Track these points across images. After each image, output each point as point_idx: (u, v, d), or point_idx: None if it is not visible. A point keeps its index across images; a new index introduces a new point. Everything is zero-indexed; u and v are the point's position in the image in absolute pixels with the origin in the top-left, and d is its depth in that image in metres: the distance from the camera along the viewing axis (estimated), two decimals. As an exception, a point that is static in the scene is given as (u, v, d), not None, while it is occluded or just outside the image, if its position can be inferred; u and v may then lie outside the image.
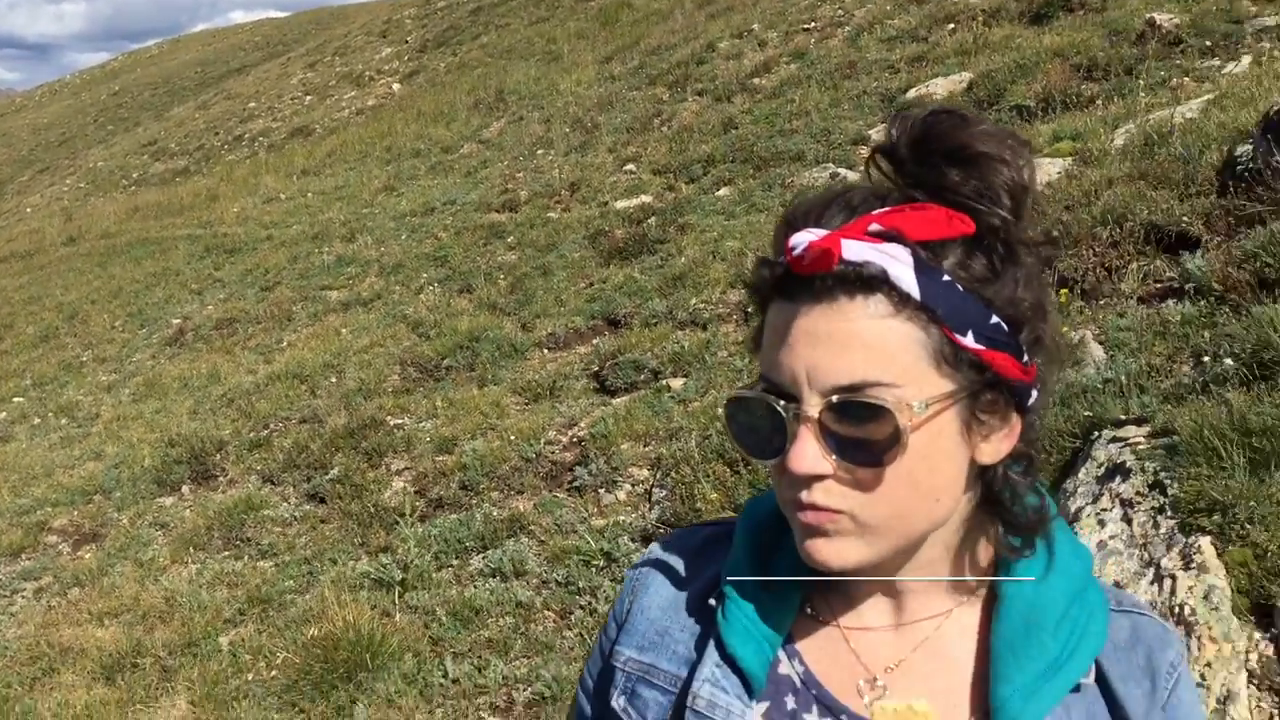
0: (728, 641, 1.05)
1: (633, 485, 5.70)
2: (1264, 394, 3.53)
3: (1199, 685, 2.86)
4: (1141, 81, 7.37)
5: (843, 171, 8.44)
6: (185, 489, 7.50)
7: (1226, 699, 2.83)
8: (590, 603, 4.90)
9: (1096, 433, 3.86)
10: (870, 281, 0.89)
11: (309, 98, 28.36)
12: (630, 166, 11.58)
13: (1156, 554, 3.22)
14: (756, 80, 12.49)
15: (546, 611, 4.98)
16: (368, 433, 7.17)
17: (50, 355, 12.64)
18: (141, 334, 12.25)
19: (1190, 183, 5.28)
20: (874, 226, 0.90)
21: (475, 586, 5.27)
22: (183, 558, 6.45)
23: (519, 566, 5.29)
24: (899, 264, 0.88)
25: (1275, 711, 2.82)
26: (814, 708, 1.03)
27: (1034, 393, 0.97)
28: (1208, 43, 7.93)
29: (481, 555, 5.53)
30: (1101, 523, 3.45)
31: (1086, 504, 3.56)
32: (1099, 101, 7.62)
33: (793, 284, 0.92)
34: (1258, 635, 2.96)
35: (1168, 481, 3.41)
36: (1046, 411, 1.03)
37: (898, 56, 10.96)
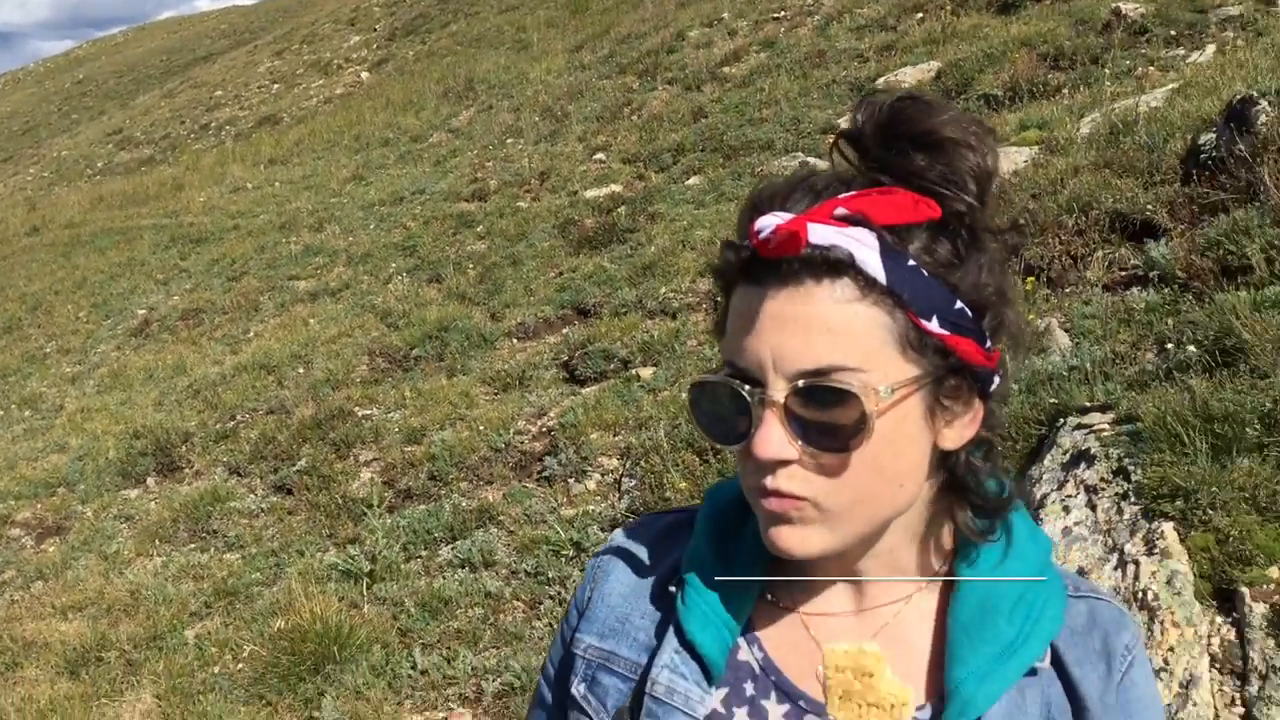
0: (687, 628, 1.04)
1: (602, 475, 5.69)
2: (1226, 380, 3.57)
3: (1163, 670, 2.89)
4: (1107, 70, 7.42)
5: (812, 160, 8.44)
6: (150, 481, 7.43)
7: (1189, 683, 2.85)
8: (560, 593, 4.89)
9: (1062, 420, 3.88)
10: (837, 265, 0.88)
11: (276, 86, 28.12)
12: (600, 155, 11.55)
13: (1120, 540, 3.25)
14: (726, 69, 12.48)
15: (516, 602, 4.97)
16: (335, 423, 7.12)
17: (13, 347, 12.48)
18: (106, 325, 12.12)
19: (1155, 171, 5.32)
20: (840, 210, 0.90)
21: (444, 577, 5.25)
22: (148, 550, 6.39)
23: (488, 557, 5.28)
24: (865, 248, 0.88)
25: (1237, 695, 2.85)
26: (772, 694, 1.03)
27: (996, 379, 0.97)
28: (1172, 32, 8.00)
29: (450, 546, 5.51)
30: (1066, 509, 3.48)
31: (1052, 490, 3.59)
32: (1065, 90, 7.66)
33: (758, 267, 0.91)
34: (1220, 620, 2.99)
35: (1131, 468, 3.43)
36: (1008, 398, 1.03)
37: (867, 45, 10.99)
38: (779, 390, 0.89)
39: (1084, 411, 3.85)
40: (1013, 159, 6.34)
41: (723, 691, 1.04)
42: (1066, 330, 4.57)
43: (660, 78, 13.39)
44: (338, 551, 5.74)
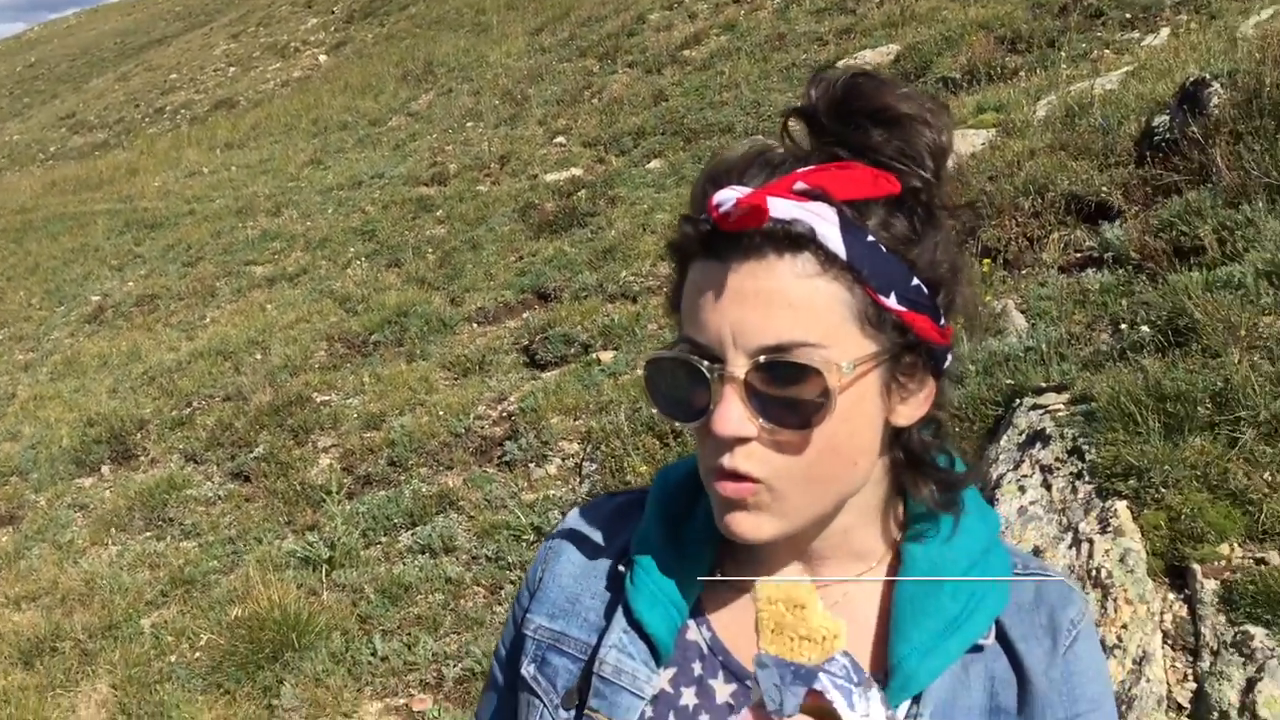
0: (635, 608, 1.04)
1: (563, 459, 5.68)
2: (1178, 360, 3.61)
3: (1116, 647, 2.92)
4: (1063, 53, 7.48)
5: (773, 144, 8.45)
6: (105, 469, 7.34)
7: (1142, 659, 2.89)
8: (521, 577, 4.87)
9: (1018, 400, 3.91)
10: (798, 240, 0.87)
11: (232, 69, 27.76)
12: (560, 139, 11.51)
13: (1075, 519, 3.28)
14: (687, 52, 12.46)
15: (476, 587, 4.96)
16: (293, 410, 7.06)
17: (-36, 334, 12.27)
18: (59, 311, 11.93)
19: (1109, 153, 5.36)
20: (799, 185, 0.89)
21: (404, 563, 5.22)
22: (103, 539, 6.31)
23: (448, 542, 5.25)
24: (825, 223, 0.87)
25: (1189, 671, 2.89)
26: (720, 674, 1.03)
27: (949, 356, 0.98)
28: (1128, 15, 8.06)
29: (410, 532, 5.48)
30: (1022, 489, 3.50)
31: (1008, 470, 3.61)
32: (1022, 73, 7.72)
33: (718, 241, 0.90)
34: (1172, 596, 3.02)
35: (1086, 447, 3.46)
36: (963, 378, 1.04)
37: (826, 29, 11.00)
38: (739, 366, 0.88)
39: (1040, 392, 3.89)
40: (970, 141, 6.37)
41: (671, 671, 1.04)
42: (1023, 311, 4.61)
43: (621, 61, 13.35)
44: (296, 538, 5.70)
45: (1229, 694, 2.70)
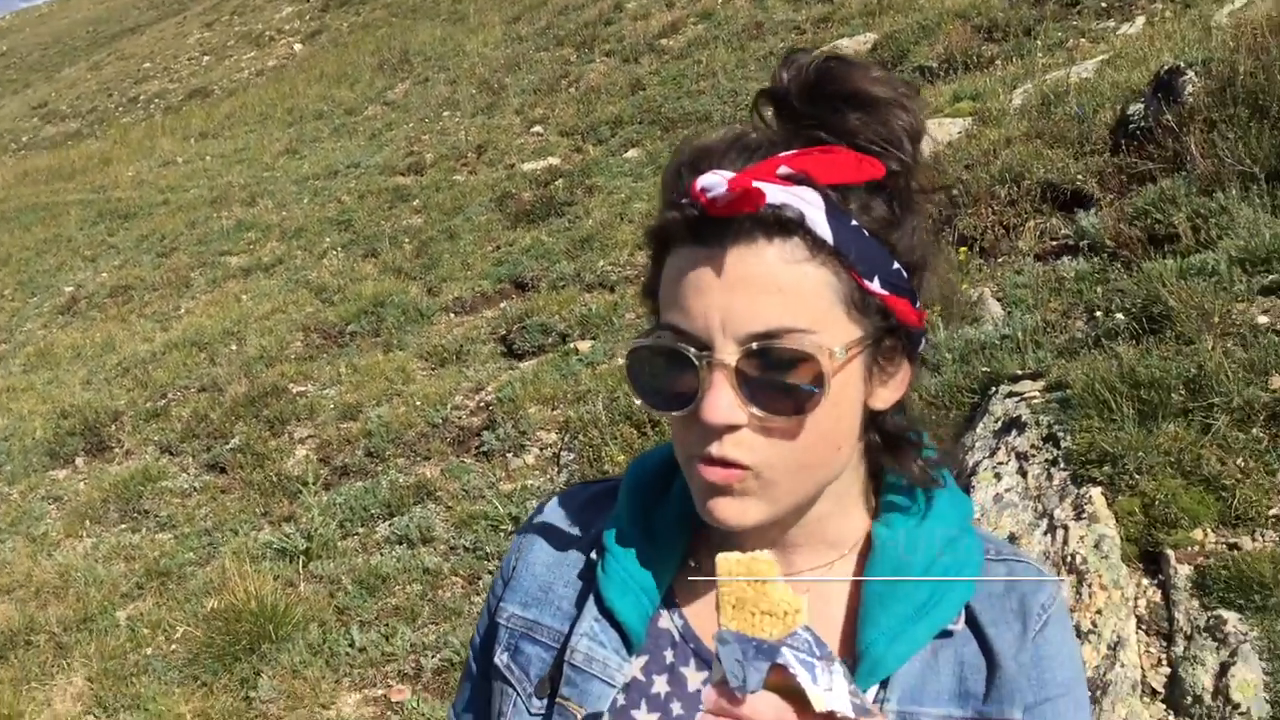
0: (606, 596, 1.03)
1: (541, 449, 5.67)
2: (1152, 347, 3.62)
3: (1091, 632, 2.94)
4: (1039, 42, 7.50)
5: (749, 128, 8.45)
6: (79, 461, 7.28)
7: (1117, 644, 2.91)
8: (499, 567, 4.86)
9: (994, 388, 3.92)
10: (786, 225, 0.87)
11: (207, 58, 27.53)
12: (538, 128, 11.47)
13: (1050, 505, 3.29)
14: (664, 41, 12.43)
15: (454, 577, 4.94)
16: (269, 400, 7.02)
17: (-65, 326, 12.14)
18: (32, 303, 11.81)
19: (1085, 141, 5.38)
20: (783, 169, 0.88)
21: (381, 554, 5.20)
22: (77, 532, 6.26)
23: (426, 533, 5.24)
24: (812, 208, 0.87)
25: (1163, 655, 2.91)
26: (691, 661, 1.02)
27: (924, 339, 0.98)
28: (1103, 4, 8.09)
29: (388, 522, 5.46)
30: (998, 476, 3.52)
31: (984, 458, 3.63)
32: (998, 62, 7.73)
33: (704, 227, 0.89)
34: (1146, 582, 3.04)
35: (1061, 434, 3.48)
36: (935, 364, 1.04)
37: (804, 17, 11.00)
38: (729, 353, 0.87)
39: (1015, 379, 3.90)
40: (947, 130, 6.38)
41: (643, 659, 1.03)
42: (999, 299, 4.62)
43: (598, 50, 13.31)
44: (273, 530, 5.67)
45: (1203, 678, 2.72)
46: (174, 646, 4.94)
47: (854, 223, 0.89)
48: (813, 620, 0.97)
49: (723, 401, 0.88)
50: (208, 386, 7.65)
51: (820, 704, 0.73)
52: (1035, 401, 3.71)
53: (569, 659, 1.03)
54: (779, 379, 0.88)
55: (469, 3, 19.69)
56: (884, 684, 0.96)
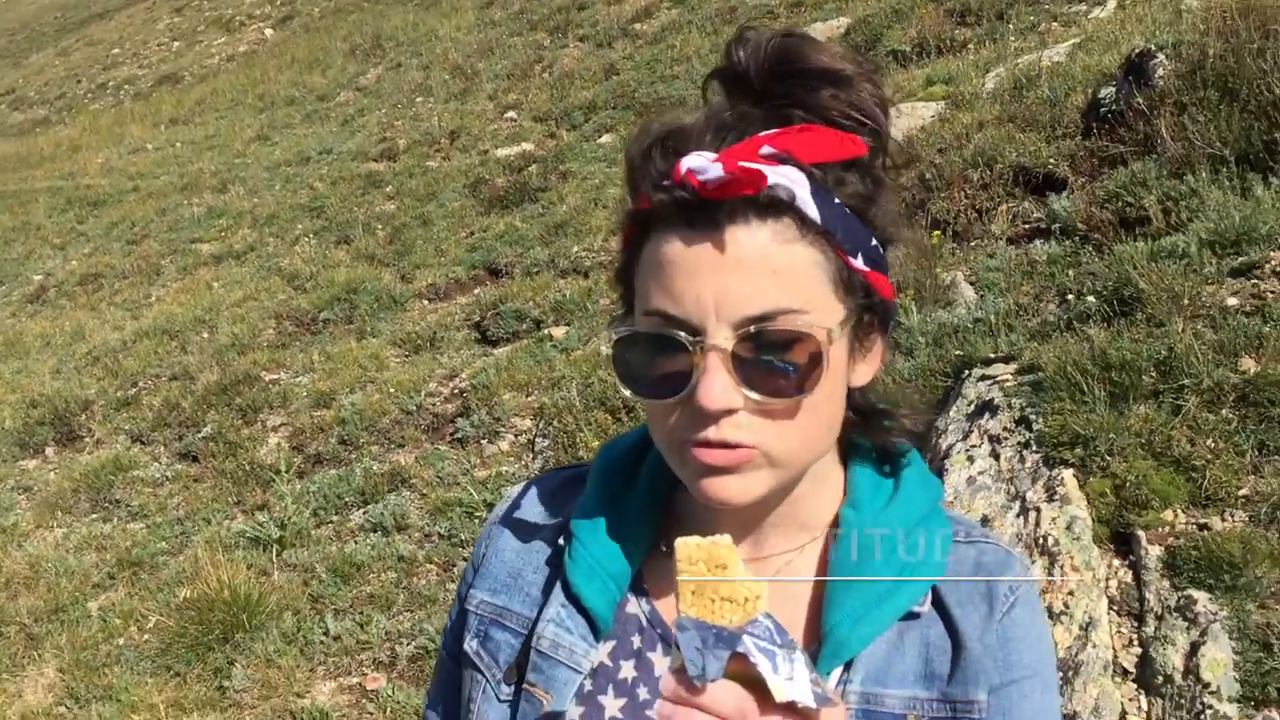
0: (573, 582, 1.03)
1: (515, 435, 5.66)
2: (1123, 329, 3.64)
3: (1063, 613, 2.95)
4: (1011, 26, 7.52)
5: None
6: (49, 451, 7.21)
7: (1089, 625, 2.92)
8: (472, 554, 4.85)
9: (967, 371, 3.94)
10: (778, 205, 0.86)
11: (176, 44, 27.23)
12: (511, 114, 11.41)
13: (1022, 488, 3.31)
14: (638, 26, 12.39)
15: (429, 565, 4.93)
16: (242, 388, 6.96)
17: (-98, 316, 11.99)
18: (0, 291, 11.69)
19: (1057, 125, 5.39)
20: (766, 149, 0.87)
21: (356, 542, 5.18)
22: (47, 522, 6.20)
23: (401, 521, 5.22)
24: (799, 187, 0.86)
25: (1134, 636, 2.93)
26: (659, 646, 1.02)
27: (893, 313, 0.98)
28: (1075, -12, 8.10)
29: (362, 510, 5.44)
30: (971, 459, 3.53)
31: (957, 441, 3.64)
32: (971, 46, 7.74)
33: (692, 210, 0.88)
34: (1117, 563, 3.06)
35: (1033, 417, 3.49)
36: (902, 345, 1.04)
37: (777, 1, 10.97)
38: (724, 337, 0.86)
39: (988, 363, 3.91)
40: (920, 114, 6.39)
41: (610, 644, 1.03)
42: (972, 283, 4.64)
43: (571, 34, 13.24)
44: (246, 519, 5.64)
45: (1173, 658, 2.74)
46: (146, 637, 4.91)
47: (836, 200, 0.89)
48: (778, 602, 0.96)
49: (717, 386, 0.87)
50: (179, 375, 7.59)
51: (781, 694, 0.72)
52: (1008, 384, 3.72)
53: (535, 645, 1.03)
54: (776, 360, 0.87)
55: (441, -13, 19.55)
56: (848, 665, 0.95)
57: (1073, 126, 5.32)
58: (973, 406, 3.73)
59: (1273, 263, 3.64)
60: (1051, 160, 5.14)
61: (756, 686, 0.74)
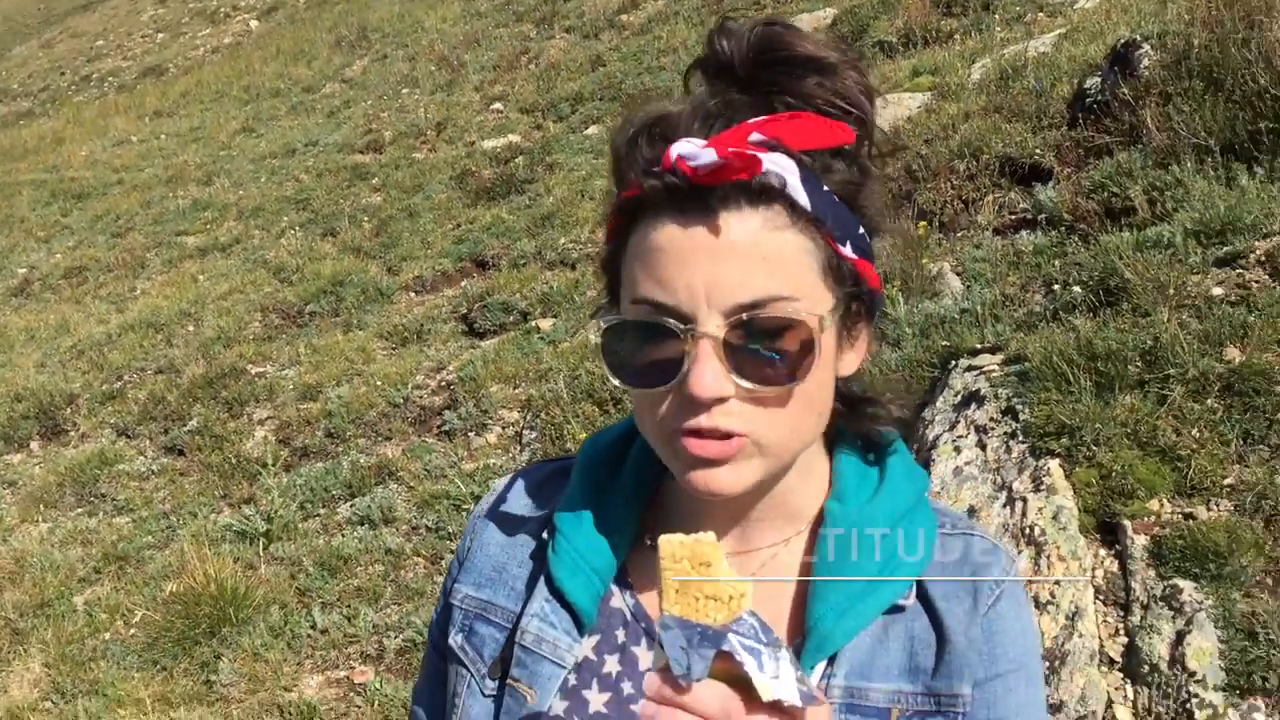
0: (556, 576, 1.02)
1: (503, 428, 5.65)
2: (1109, 319, 3.65)
3: (1049, 603, 2.96)
4: (997, 16, 7.53)
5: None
6: (34, 445, 7.17)
7: (1075, 615, 2.93)
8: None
9: (954, 362, 3.94)
10: (769, 192, 0.86)
11: (161, 35, 27.08)
12: (497, 105, 11.38)
13: (1009, 478, 3.31)
14: (624, 17, 12.36)
15: (417, 558, 4.92)
16: (228, 382, 6.94)
17: (-116, 309, 11.91)
18: (-17, 285, 11.63)
19: (1043, 115, 5.40)
20: (755, 136, 0.87)
21: (343, 535, 5.17)
22: (33, 516, 6.17)
23: (388, 513, 5.20)
24: (790, 174, 0.86)
25: (1120, 625, 2.93)
26: (643, 640, 1.01)
27: (879, 302, 0.98)
28: (1061, -21, 8.10)
29: (349, 503, 5.42)
30: (958, 449, 3.53)
31: (944, 431, 3.64)
32: (957, 36, 7.74)
33: (683, 197, 0.87)
34: (1103, 553, 3.07)
35: (1020, 407, 3.50)
36: (890, 336, 1.03)
37: (764, -7, 10.95)
38: (715, 325, 0.86)
39: (975, 353, 3.91)
40: (906, 105, 6.39)
41: (595, 639, 1.02)
42: (958, 274, 4.64)
43: (558, 26, 13.21)
44: (232, 512, 5.62)
45: (1159, 647, 2.75)
46: (133, 631, 4.89)
47: (825, 188, 0.88)
48: (762, 597, 0.96)
49: (708, 374, 0.86)
50: (165, 368, 7.56)
51: (767, 693, 0.72)
52: (994, 375, 3.72)
53: (519, 640, 1.02)
54: (767, 348, 0.86)
55: (427, -22, 19.47)
56: (832, 660, 0.95)
57: (1058, 117, 5.33)
58: (959, 397, 3.74)
59: (1257, 252, 3.65)
60: (1037, 151, 5.14)
61: (742, 685, 0.73)
